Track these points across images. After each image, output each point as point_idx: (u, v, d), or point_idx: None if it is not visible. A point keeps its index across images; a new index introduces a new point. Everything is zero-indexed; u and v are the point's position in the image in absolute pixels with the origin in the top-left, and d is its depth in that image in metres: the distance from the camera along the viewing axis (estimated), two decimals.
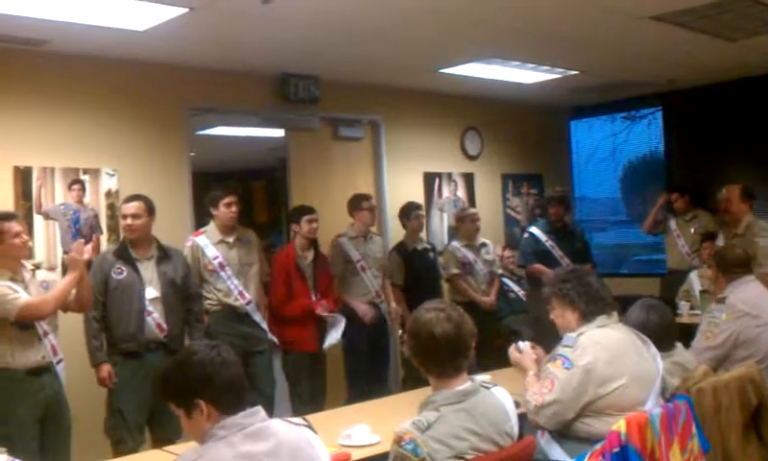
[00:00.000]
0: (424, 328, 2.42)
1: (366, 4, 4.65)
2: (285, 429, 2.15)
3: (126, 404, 4.35)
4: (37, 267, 4.22)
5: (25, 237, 3.87)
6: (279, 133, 6.99)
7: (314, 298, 5.32)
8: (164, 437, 4.29)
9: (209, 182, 6.33)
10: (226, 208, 4.98)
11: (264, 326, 5.13)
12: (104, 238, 5.38)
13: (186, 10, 4.42)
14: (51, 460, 3.78)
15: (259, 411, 2.13)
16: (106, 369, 4.34)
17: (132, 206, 4.44)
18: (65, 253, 5.02)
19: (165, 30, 4.74)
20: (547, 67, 6.65)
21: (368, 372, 5.71)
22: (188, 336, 4.60)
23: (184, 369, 2.12)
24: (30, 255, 4.26)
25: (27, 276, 3.92)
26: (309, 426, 2.22)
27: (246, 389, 2.16)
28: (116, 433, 4.34)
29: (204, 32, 4.95)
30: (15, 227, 3.85)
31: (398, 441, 2.29)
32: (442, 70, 6.52)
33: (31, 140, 5.09)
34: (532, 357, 3.14)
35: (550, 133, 8.69)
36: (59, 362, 3.95)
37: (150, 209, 4.50)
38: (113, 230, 5.40)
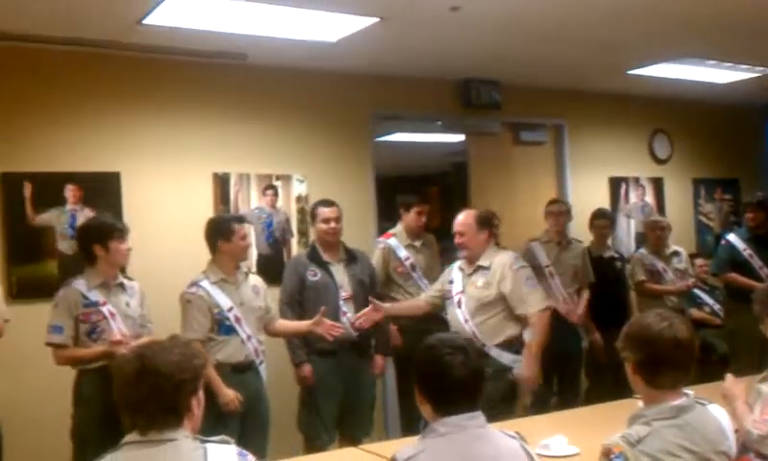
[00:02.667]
0: (661, 336, 2.26)
1: (558, 6, 4.55)
2: (502, 437, 2.13)
3: (322, 402, 4.47)
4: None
5: (249, 241, 4.06)
6: (457, 137, 6.99)
7: None
8: (353, 435, 4.41)
9: (387, 188, 6.43)
10: (417, 216, 5.16)
11: None
12: (294, 241, 5.61)
13: (377, 19, 4.52)
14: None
15: (479, 416, 2.12)
16: (307, 368, 4.47)
17: (335, 210, 4.59)
18: (260, 255, 5.27)
19: (356, 40, 4.86)
20: (747, 66, 6.23)
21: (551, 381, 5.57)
22: (373, 337, 4.69)
23: (422, 360, 2.15)
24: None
25: (240, 278, 4.15)
26: (521, 438, 2.18)
27: (474, 392, 2.14)
28: (311, 430, 4.48)
29: (393, 40, 5.04)
30: (243, 230, 4.11)
31: (607, 454, 2.19)
32: (630, 72, 6.28)
33: (229, 149, 5.38)
34: (740, 385, 2.94)
35: (745, 134, 8.13)
36: (260, 363, 4.14)
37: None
38: (303, 233, 5.61)
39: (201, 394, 1.99)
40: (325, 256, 4.61)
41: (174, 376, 1.89)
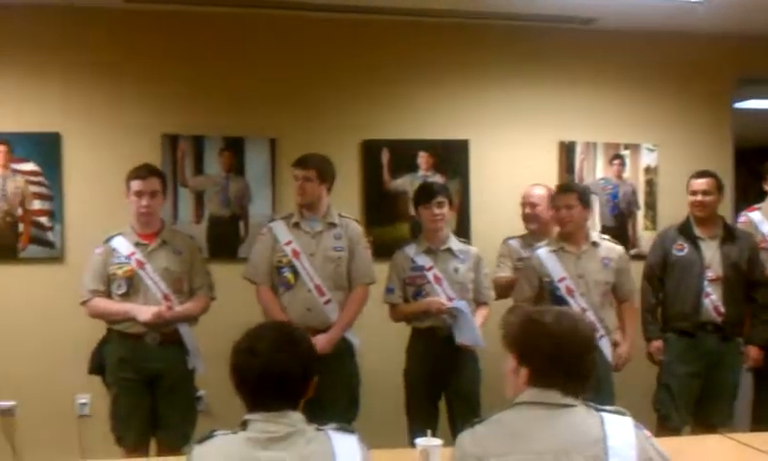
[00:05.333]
0: None
1: None
2: None
3: (674, 380, 4.28)
4: None
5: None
6: None
7: None
8: (709, 422, 4.16)
9: (746, 159, 5.84)
10: None
11: None
12: (640, 214, 5.33)
13: None
14: None
15: None
16: (655, 345, 4.33)
17: (705, 182, 4.32)
18: (603, 227, 5.09)
19: None
20: None
21: None
22: (751, 326, 4.34)
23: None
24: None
25: (584, 248, 4.10)
26: None
27: None
28: (663, 408, 4.30)
29: None
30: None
31: None
32: None
33: (576, 116, 5.25)
34: None
35: None
36: (600, 338, 3.98)
37: (719, 188, 4.34)
38: (651, 206, 5.31)
39: None
40: (698, 231, 4.32)
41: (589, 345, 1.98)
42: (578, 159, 5.25)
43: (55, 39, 4.66)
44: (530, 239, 4.47)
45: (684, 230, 4.35)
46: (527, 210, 4.54)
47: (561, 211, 4.10)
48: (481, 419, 1.99)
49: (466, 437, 1.97)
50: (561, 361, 1.90)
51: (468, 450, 1.92)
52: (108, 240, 3.92)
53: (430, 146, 5.02)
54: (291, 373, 1.92)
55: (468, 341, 3.99)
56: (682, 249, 4.29)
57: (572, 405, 1.90)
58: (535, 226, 4.49)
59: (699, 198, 4.30)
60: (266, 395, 1.90)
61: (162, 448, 3.92)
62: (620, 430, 1.88)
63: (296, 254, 3.94)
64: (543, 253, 4.14)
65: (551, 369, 1.91)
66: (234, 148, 4.86)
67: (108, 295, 3.88)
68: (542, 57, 5.19)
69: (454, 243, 4.15)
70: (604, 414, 1.91)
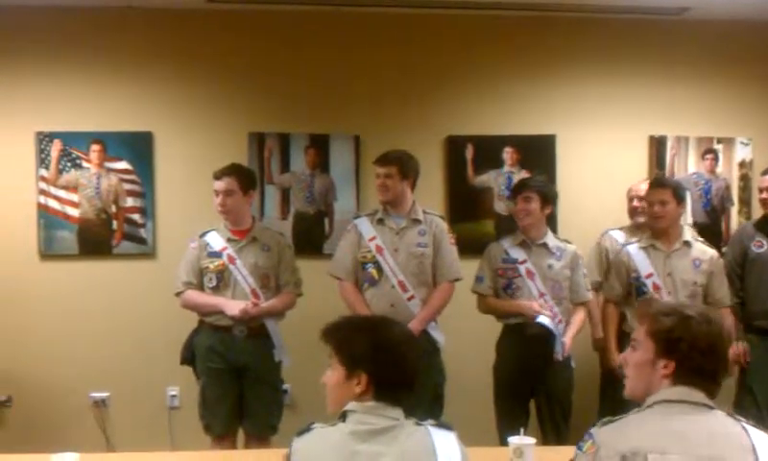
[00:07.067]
0: None
1: None
2: None
3: (754, 382, 4.18)
4: None
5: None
6: None
7: None
8: None
9: None
10: None
11: None
12: (734, 210, 5.14)
13: None
14: None
15: None
16: (738, 348, 4.20)
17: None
18: (695, 223, 4.94)
19: None
20: None
21: None
22: None
23: None
24: None
25: (676, 246, 4.03)
26: None
27: None
28: (742, 411, 4.09)
29: None
30: None
31: None
32: None
33: (666, 110, 5.09)
34: None
35: None
36: None
37: None
38: (745, 202, 5.12)
39: None
40: None
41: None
42: (669, 154, 5.09)
43: (145, 41, 4.80)
44: (636, 232, 4.42)
45: (762, 227, 4.22)
46: (634, 204, 4.52)
47: (654, 207, 3.99)
48: (612, 418, 1.92)
49: (608, 431, 1.87)
50: (713, 360, 1.86)
51: (614, 446, 1.81)
52: (202, 235, 4.03)
53: (516, 141, 4.96)
54: (417, 366, 1.96)
55: (556, 354, 3.94)
56: (761, 246, 4.15)
57: (714, 408, 1.85)
58: (643, 219, 4.41)
59: (764, 195, 4.23)
60: (393, 385, 1.90)
61: (249, 437, 4.02)
62: (766, 444, 1.81)
63: (379, 249, 3.95)
64: (633, 249, 4.11)
65: (702, 367, 1.85)
66: (319, 145, 4.90)
67: (201, 287, 3.99)
68: (632, 49, 5.06)
69: (551, 239, 4.10)
70: (744, 424, 1.85)
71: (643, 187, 4.40)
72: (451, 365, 4.12)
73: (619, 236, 4.51)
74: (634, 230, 4.48)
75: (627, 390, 1.96)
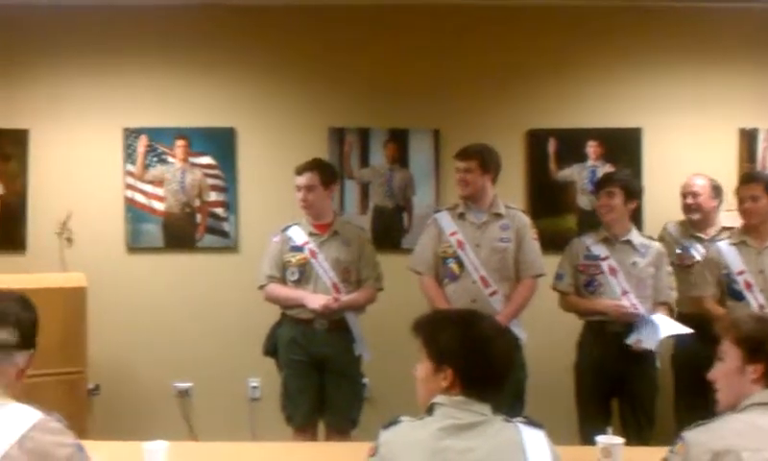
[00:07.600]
0: None
1: None
2: None
3: None
4: None
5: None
6: None
7: None
8: None
9: None
10: None
11: None
12: None
13: None
14: None
15: None
16: None
17: None
18: None
19: None
20: None
21: None
22: None
23: None
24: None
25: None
26: None
27: None
28: None
29: None
30: None
31: None
32: None
33: (758, 101, 4.92)
34: None
35: None
36: None
37: None
38: None
39: None
40: None
41: None
42: (761, 148, 4.91)
43: (228, 39, 4.87)
44: (691, 229, 4.36)
45: None
46: (689, 200, 4.42)
47: (745, 203, 3.86)
48: (703, 421, 1.93)
49: (699, 432, 1.90)
50: None
51: (706, 444, 1.84)
52: (285, 229, 4.07)
53: (600, 135, 4.86)
54: (507, 362, 1.97)
55: (646, 345, 3.80)
56: None
57: None
58: (698, 216, 4.37)
59: None
60: (479, 379, 1.88)
61: (330, 430, 4.05)
62: None
63: (460, 244, 3.91)
64: (724, 245, 4.01)
65: None
66: (398, 140, 4.89)
67: (283, 281, 4.02)
68: (722, 39, 4.91)
69: (635, 236, 4.00)
70: None
71: (698, 182, 4.35)
72: (531, 362, 4.05)
73: (674, 230, 4.47)
74: (688, 226, 4.40)
75: (720, 404, 1.97)
